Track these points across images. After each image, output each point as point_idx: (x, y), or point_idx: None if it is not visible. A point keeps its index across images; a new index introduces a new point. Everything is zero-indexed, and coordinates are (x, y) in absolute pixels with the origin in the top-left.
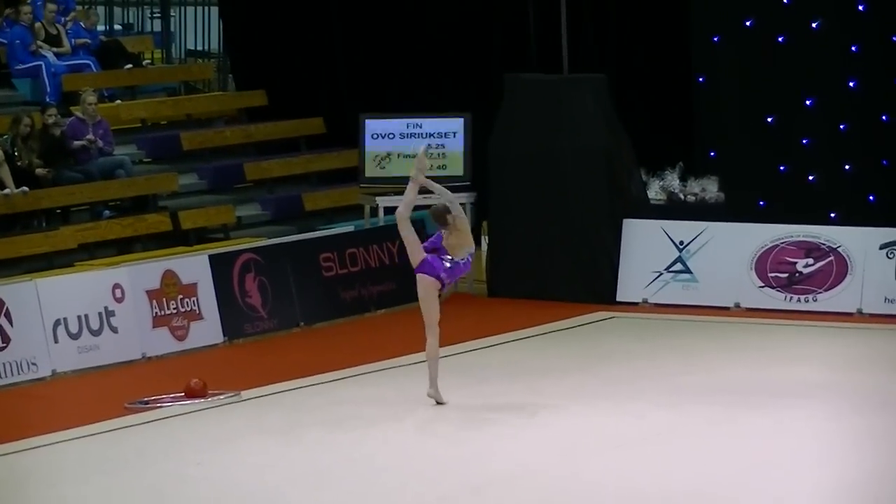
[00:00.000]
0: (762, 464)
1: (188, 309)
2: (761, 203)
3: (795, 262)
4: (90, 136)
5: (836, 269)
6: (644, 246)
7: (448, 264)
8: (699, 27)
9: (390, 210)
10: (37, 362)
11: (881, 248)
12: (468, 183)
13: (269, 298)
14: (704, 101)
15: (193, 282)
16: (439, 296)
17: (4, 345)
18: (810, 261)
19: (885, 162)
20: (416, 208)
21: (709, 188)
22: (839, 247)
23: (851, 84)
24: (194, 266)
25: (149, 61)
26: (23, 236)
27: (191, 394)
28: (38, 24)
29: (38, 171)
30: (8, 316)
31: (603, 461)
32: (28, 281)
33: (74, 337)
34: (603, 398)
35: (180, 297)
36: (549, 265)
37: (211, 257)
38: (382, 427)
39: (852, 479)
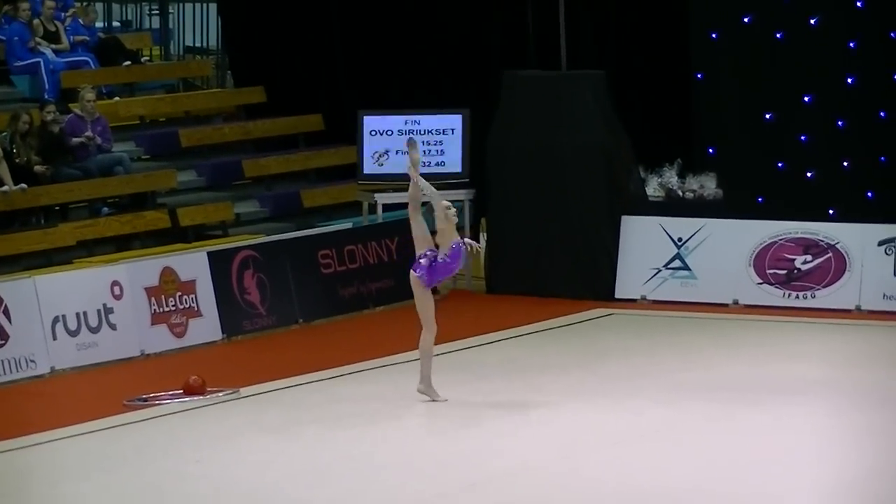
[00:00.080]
0: (761, 460)
1: (187, 306)
2: (760, 200)
3: (794, 259)
4: (89, 133)
5: (834, 265)
6: (642, 243)
7: (423, 261)
8: (698, 24)
9: (389, 207)
10: (35, 359)
11: (879, 244)
12: (467, 180)
13: (268, 295)
14: (703, 97)
15: (192, 279)
16: (436, 292)
17: (3, 342)
18: (809, 257)
19: (883, 158)
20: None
21: (707, 185)
22: (837, 243)
23: (850, 80)
24: (193, 263)
25: (147, 58)
26: (21, 233)
27: (190, 391)
28: (36, 21)
29: (37, 168)
30: (6, 313)
31: (602, 458)
32: (27, 278)
33: (73, 334)
34: (601, 395)
35: (179, 294)
36: (547, 262)
37: (209, 254)
38: (381, 424)
39: (851, 476)
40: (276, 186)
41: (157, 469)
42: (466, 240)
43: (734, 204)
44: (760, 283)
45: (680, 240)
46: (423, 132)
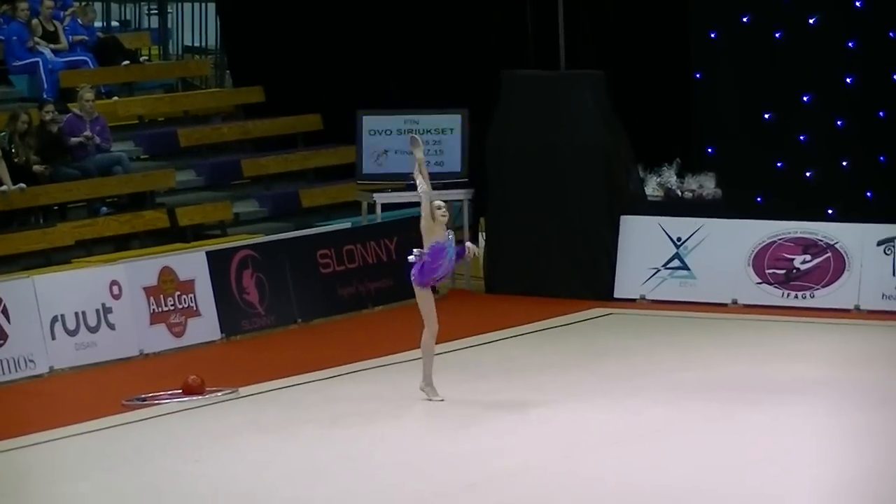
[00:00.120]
0: (760, 460)
1: (185, 306)
2: (759, 199)
3: (793, 259)
4: (87, 133)
5: (833, 265)
6: (641, 242)
7: (412, 259)
8: (697, 23)
9: (388, 207)
10: (34, 359)
11: (878, 244)
12: (465, 180)
13: (267, 295)
14: (702, 97)
15: (191, 278)
16: (435, 291)
17: (2, 342)
18: (808, 257)
19: (882, 158)
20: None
21: (706, 184)
22: (836, 243)
23: (849, 80)
24: (192, 263)
25: (146, 58)
26: (20, 233)
27: (188, 391)
28: (35, 21)
29: (36, 167)
30: (5, 313)
31: (601, 457)
32: (25, 278)
33: (72, 334)
34: (600, 395)
35: (178, 293)
36: (546, 262)
37: (208, 254)
38: (380, 424)
39: (851, 476)
40: (274, 186)
41: (156, 468)
42: (468, 244)
43: (733, 204)
44: (759, 283)
45: (679, 239)
46: (421, 132)
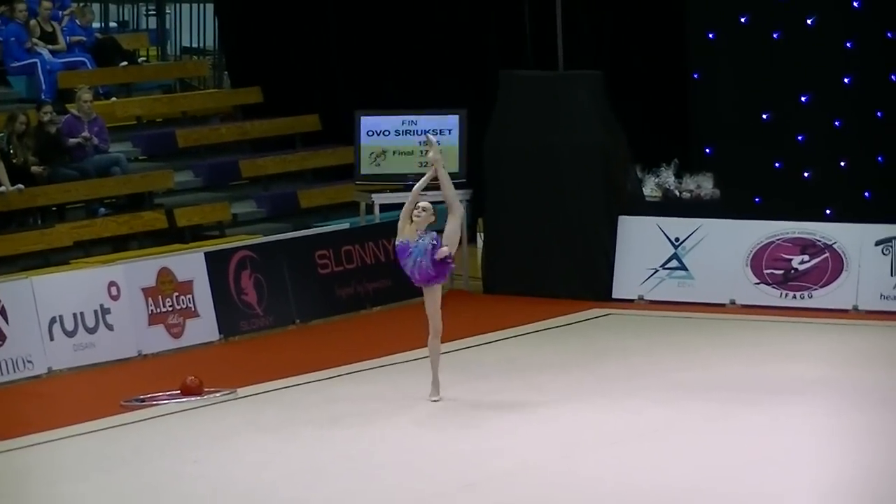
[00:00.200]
0: (759, 460)
1: (184, 306)
2: (757, 200)
3: (791, 259)
4: (86, 134)
5: (831, 265)
6: (640, 243)
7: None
8: (694, 23)
9: (386, 207)
10: (32, 360)
11: (877, 244)
12: (464, 180)
13: (265, 296)
14: (700, 97)
15: (189, 279)
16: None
17: (0, 342)
18: (806, 257)
19: (880, 158)
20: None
21: (704, 185)
22: (835, 243)
23: (846, 80)
24: (190, 263)
25: (144, 58)
26: (18, 234)
27: (187, 391)
28: (33, 22)
29: (34, 168)
30: (3, 314)
31: (600, 457)
32: (24, 279)
33: (70, 334)
34: (600, 395)
35: (176, 294)
36: (544, 262)
37: (206, 255)
38: (379, 424)
39: (850, 476)
40: (273, 187)
41: (155, 469)
42: (442, 247)
43: (731, 204)
44: (757, 283)
45: (677, 240)
46: (420, 132)
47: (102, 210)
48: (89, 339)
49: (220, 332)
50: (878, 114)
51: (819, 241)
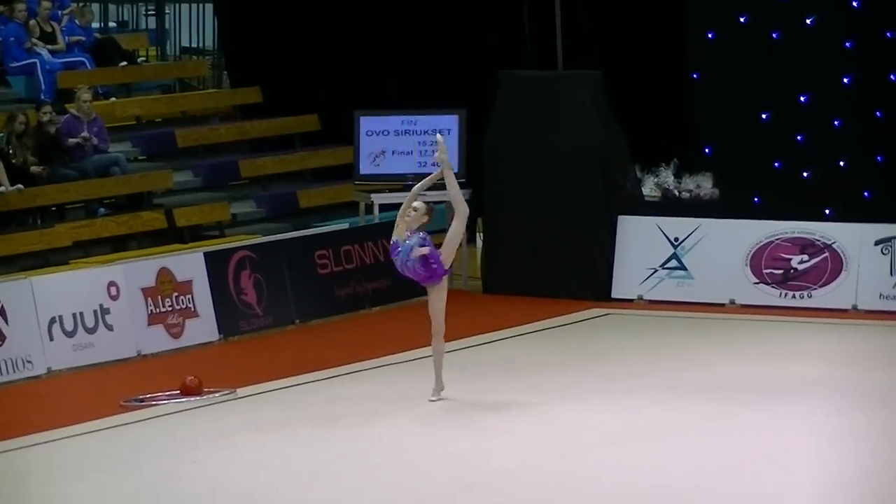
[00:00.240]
0: (758, 460)
1: (183, 306)
2: (756, 199)
3: (790, 259)
4: (85, 134)
5: (830, 265)
6: (639, 242)
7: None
8: (694, 23)
9: (385, 207)
10: (32, 360)
11: (876, 244)
12: (463, 180)
13: (265, 296)
14: (699, 97)
15: (188, 279)
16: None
17: (0, 342)
18: (805, 257)
19: (879, 158)
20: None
21: (703, 185)
22: (834, 243)
23: (846, 80)
24: (189, 263)
25: (143, 58)
26: (18, 234)
27: (186, 391)
28: (32, 22)
29: (33, 168)
30: (3, 314)
31: (599, 457)
32: (23, 279)
33: (70, 335)
34: (598, 395)
35: (175, 294)
36: (544, 262)
37: (206, 255)
38: (378, 424)
39: (850, 476)
40: (272, 187)
41: (155, 469)
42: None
43: (730, 204)
44: (757, 283)
45: (676, 239)
46: (419, 132)
47: (102, 210)
48: (89, 339)
49: (219, 332)
50: (878, 113)
51: (818, 240)
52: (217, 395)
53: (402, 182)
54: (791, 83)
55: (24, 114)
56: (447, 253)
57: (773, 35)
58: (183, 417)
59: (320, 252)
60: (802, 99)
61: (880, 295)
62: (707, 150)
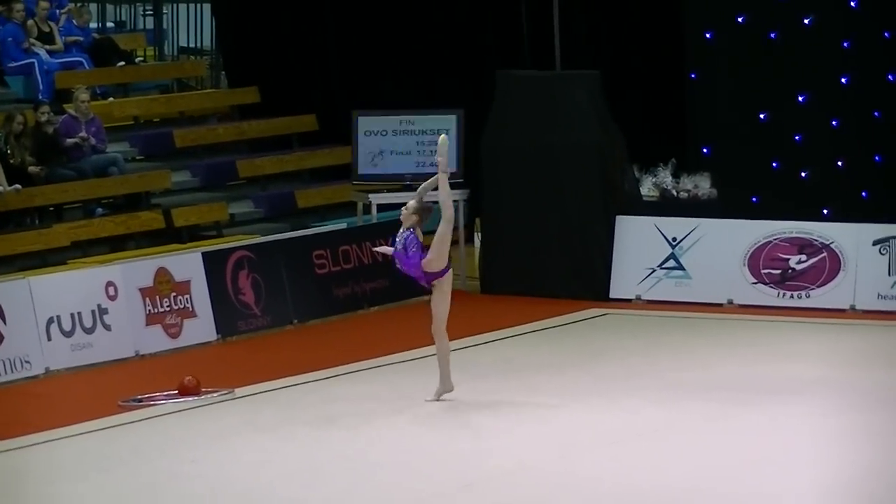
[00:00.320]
0: (758, 460)
1: (181, 306)
2: (754, 199)
3: (788, 259)
4: (83, 134)
5: (829, 265)
6: (637, 242)
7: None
8: (692, 23)
9: (383, 207)
10: (30, 360)
11: (874, 244)
12: (461, 180)
13: (263, 296)
14: (697, 97)
15: (187, 279)
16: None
17: None
18: (803, 257)
19: (877, 158)
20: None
21: (701, 184)
22: (832, 243)
23: (844, 80)
24: (187, 263)
25: (141, 59)
26: (16, 234)
27: (185, 391)
28: (30, 22)
29: (31, 168)
30: (1, 314)
31: (598, 457)
32: (21, 279)
33: (68, 335)
34: (597, 395)
35: (173, 294)
36: (542, 262)
37: (204, 255)
38: (376, 424)
39: (848, 476)
40: (270, 187)
41: (153, 469)
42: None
43: (729, 203)
44: (755, 283)
45: (674, 239)
46: (417, 132)
47: (100, 210)
48: (87, 339)
49: (217, 332)
50: (876, 113)
51: (816, 240)
52: (215, 395)
53: (401, 182)
54: (789, 83)
55: (21, 114)
56: (434, 255)
57: (772, 35)
58: (181, 417)
59: (318, 252)
60: (801, 99)
61: (878, 295)
62: (705, 150)
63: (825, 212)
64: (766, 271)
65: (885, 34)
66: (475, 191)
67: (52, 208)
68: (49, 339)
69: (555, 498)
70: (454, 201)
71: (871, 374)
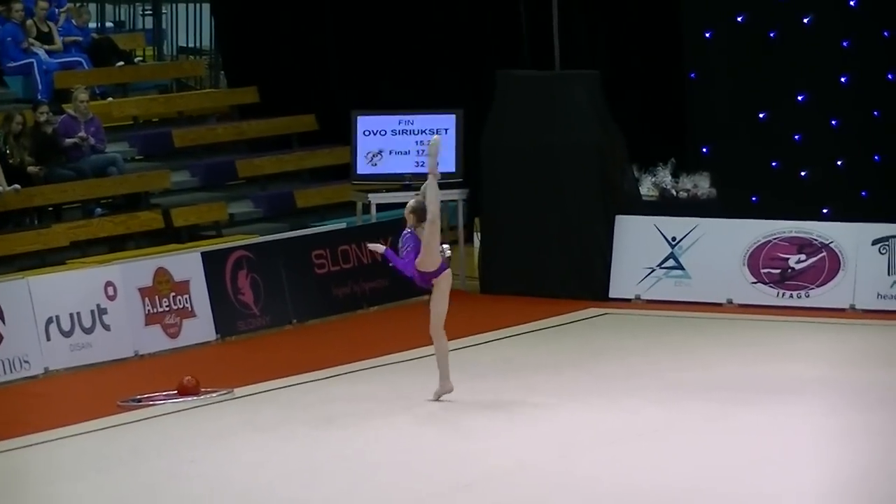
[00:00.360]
0: (758, 460)
1: (181, 306)
2: (753, 199)
3: (788, 258)
4: (82, 134)
5: (828, 264)
6: (636, 242)
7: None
8: (691, 23)
9: (382, 207)
10: (29, 360)
11: (874, 243)
12: (460, 180)
13: (262, 296)
14: (697, 97)
15: (186, 279)
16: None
17: None
18: (803, 256)
19: (877, 157)
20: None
21: (701, 184)
22: (831, 242)
23: (843, 80)
24: (187, 263)
25: (140, 59)
26: (15, 234)
27: (184, 391)
28: (29, 22)
29: (30, 168)
30: (0, 314)
31: (597, 457)
32: (20, 279)
33: (67, 335)
34: (597, 395)
35: (173, 294)
36: (541, 262)
37: (203, 255)
38: (375, 423)
39: (848, 475)
40: (269, 186)
41: (152, 469)
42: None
43: (728, 203)
44: (754, 283)
45: (674, 239)
46: (416, 132)
47: (99, 210)
48: (86, 339)
49: (216, 332)
50: (875, 113)
51: (816, 240)
52: (214, 395)
53: (400, 182)
54: (788, 82)
55: (21, 114)
56: (424, 254)
57: (771, 34)
58: (180, 417)
59: (317, 252)
60: (800, 98)
61: (878, 294)
62: (704, 150)
63: (825, 211)
64: (765, 271)
65: (885, 33)
66: (475, 191)
67: (51, 208)
68: (48, 339)
69: (554, 498)
70: (452, 201)
71: (871, 373)
